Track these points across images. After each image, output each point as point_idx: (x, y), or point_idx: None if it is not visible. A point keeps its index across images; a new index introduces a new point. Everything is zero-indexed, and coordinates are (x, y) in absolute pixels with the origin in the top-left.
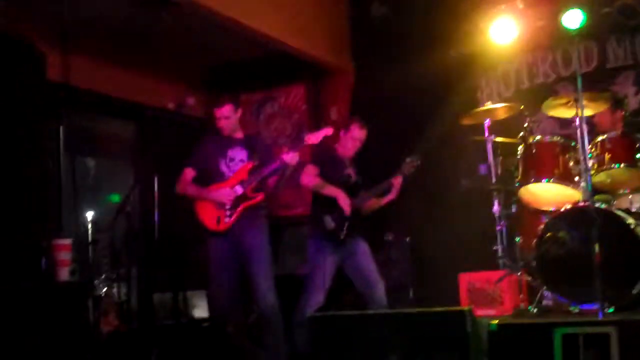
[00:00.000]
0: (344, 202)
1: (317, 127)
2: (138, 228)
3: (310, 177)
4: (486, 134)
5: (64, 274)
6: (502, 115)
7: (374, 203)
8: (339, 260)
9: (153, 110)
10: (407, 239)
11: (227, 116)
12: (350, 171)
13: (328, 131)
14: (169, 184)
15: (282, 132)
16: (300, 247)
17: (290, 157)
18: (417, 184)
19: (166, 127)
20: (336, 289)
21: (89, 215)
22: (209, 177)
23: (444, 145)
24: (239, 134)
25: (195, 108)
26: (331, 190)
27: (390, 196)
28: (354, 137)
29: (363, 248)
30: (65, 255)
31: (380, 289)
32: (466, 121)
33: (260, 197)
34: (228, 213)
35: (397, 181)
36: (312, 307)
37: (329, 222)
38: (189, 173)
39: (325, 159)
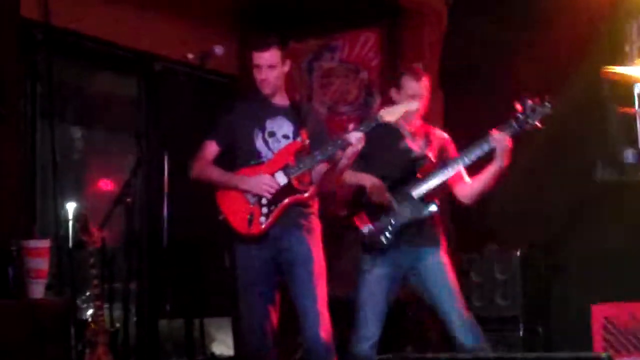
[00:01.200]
0: (375, 194)
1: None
2: (140, 228)
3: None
4: (637, 106)
5: (37, 289)
6: None
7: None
8: (396, 277)
9: (165, 63)
10: (517, 253)
11: (272, 64)
12: (410, 143)
13: (413, 106)
14: (185, 166)
15: (344, 98)
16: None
17: (356, 139)
18: (531, 174)
19: (183, 86)
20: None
21: (73, 207)
22: (238, 156)
23: (573, 119)
24: (283, 99)
25: (224, 60)
26: (356, 178)
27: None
28: (409, 93)
29: (435, 259)
30: (40, 264)
31: (463, 317)
32: (606, 86)
33: (312, 191)
34: (265, 211)
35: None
36: (363, 344)
37: (362, 225)
38: (211, 149)
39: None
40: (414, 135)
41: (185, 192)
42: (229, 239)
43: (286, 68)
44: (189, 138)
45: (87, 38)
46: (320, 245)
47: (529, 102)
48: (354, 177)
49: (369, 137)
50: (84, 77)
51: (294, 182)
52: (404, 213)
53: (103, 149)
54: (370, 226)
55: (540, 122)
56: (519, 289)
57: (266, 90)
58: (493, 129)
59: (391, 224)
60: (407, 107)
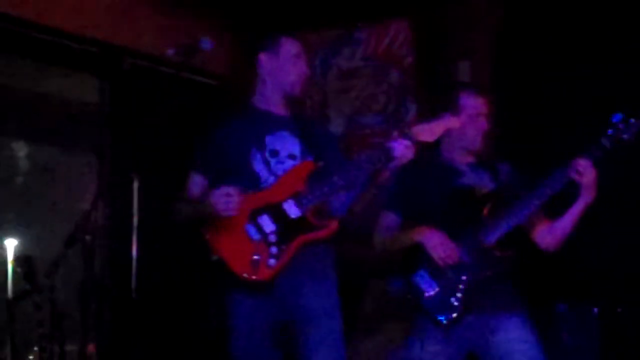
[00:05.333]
0: (439, 249)
1: (431, 98)
2: (102, 273)
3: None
4: None
5: None
6: None
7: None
8: (458, 354)
9: (137, 60)
10: (595, 310)
11: (302, 55)
12: (472, 179)
13: (453, 122)
14: (160, 193)
15: (368, 106)
16: (397, 316)
17: (402, 150)
18: (611, 205)
19: (160, 90)
20: None
21: (14, 245)
22: (231, 182)
23: None
24: (283, 108)
25: (212, 57)
26: (407, 236)
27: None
28: (471, 113)
29: (512, 324)
30: None
31: None
32: None
33: (332, 226)
34: (275, 250)
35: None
36: None
37: (424, 286)
38: (196, 183)
39: (411, 172)
40: (473, 168)
41: (159, 227)
42: (218, 286)
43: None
44: (168, 157)
45: (33, 26)
46: (338, 295)
47: (620, 114)
48: (403, 237)
49: (412, 181)
50: (31, 78)
51: (309, 215)
52: (477, 266)
53: (55, 171)
54: (435, 287)
55: (632, 138)
56: (595, 352)
57: (299, 92)
58: (577, 157)
59: (462, 282)
60: (447, 123)
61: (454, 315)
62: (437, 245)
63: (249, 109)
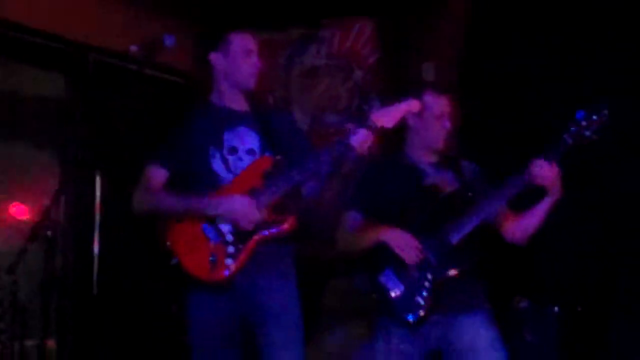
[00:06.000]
0: (404, 248)
1: (395, 97)
2: (63, 268)
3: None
4: None
5: None
6: None
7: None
8: (422, 353)
9: (101, 55)
10: (555, 309)
11: (253, 49)
12: (435, 178)
13: (413, 105)
14: (124, 192)
15: (332, 104)
16: (359, 313)
17: (360, 139)
18: (576, 202)
19: (124, 87)
20: None
21: None
22: (190, 185)
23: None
24: (242, 103)
25: (177, 54)
26: (372, 234)
27: None
28: (435, 112)
29: (476, 322)
30: None
31: None
32: None
33: (290, 223)
34: (232, 250)
35: None
36: None
37: (390, 285)
38: (158, 174)
39: (375, 172)
40: (436, 168)
41: (122, 223)
42: (180, 285)
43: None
44: (131, 154)
45: None
46: (298, 294)
47: (582, 111)
48: (368, 236)
49: (375, 181)
50: None
51: (266, 213)
52: (442, 265)
53: (16, 168)
54: (401, 286)
55: (597, 135)
56: (555, 352)
57: (253, 85)
58: (536, 158)
59: (427, 280)
60: (406, 106)
61: (421, 313)
62: (403, 244)
63: (209, 106)
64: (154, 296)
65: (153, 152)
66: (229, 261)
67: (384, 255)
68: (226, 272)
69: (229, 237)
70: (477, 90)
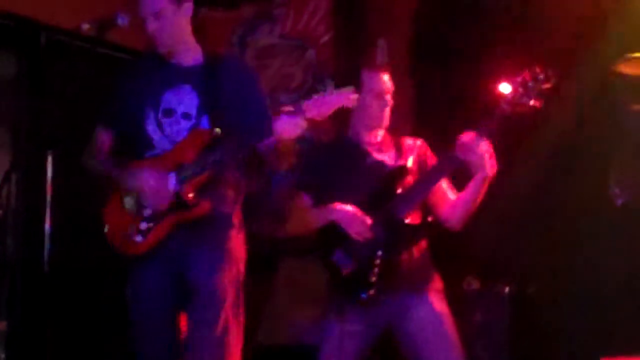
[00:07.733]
0: (353, 224)
1: (347, 76)
2: (13, 248)
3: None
4: None
5: None
6: None
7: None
8: (371, 335)
9: (53, 34)
10: (507, 290)
11: (156, 10)
12: (381, 156)
13: (349, 100)
14: (75, 169)
15: (285, 83)
16: (312, 293)
17: (284, 125)
18: (526, 194)
19: (76, 65)
20: None
21: None
22: (131, 148)
23: (580, 124)
24: (190, 57)
25: (129, 32)
26: (322, 214)
27: None
28: (374, 89)
29: (427, 300)
30: None
31: None
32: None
33: (204, 207)
34: (144, 226)
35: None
36: None
37: (341, 263)
38: (103, 135)
39: (321, 152)
40: (379, 146)
41: (73, 201)
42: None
43: (186, 12)
44: (82, 133)
45: None
46: (239, 275)
47: (520, 77)
48: (317, 216)
49: (320, 162)
50: None
51: (185, 193)
52: (391, 241)
53: None
54: (353, 263)
55: (538, 101)
56: (506, 334)
57: (160, 48)
58: (463, 133)
59: (378, 257)
60: (340, 101)
61: (372, 291)
62: (352, 221)
63: (156, 60)
64: (107, 275)
65: (99, 113)
66: (138, 238)
67: (335, 234)
68: (136, 249)
69: (147, 212)
70: (430, 66)
